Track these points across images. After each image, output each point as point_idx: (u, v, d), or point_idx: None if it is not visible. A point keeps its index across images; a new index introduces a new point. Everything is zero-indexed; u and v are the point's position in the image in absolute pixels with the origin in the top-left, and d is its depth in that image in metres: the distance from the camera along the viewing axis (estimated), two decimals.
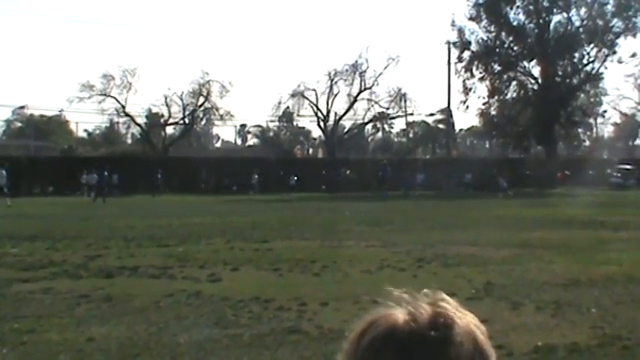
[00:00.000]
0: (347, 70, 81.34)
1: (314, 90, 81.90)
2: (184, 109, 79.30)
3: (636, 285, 12.70)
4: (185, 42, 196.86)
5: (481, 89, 73.33)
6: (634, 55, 72.28)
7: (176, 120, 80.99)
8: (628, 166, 67.37)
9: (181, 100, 78.90)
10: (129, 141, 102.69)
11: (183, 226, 25.00)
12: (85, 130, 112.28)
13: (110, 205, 39.74)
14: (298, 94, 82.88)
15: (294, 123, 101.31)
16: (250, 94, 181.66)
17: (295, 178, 60.81)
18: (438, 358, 1.09)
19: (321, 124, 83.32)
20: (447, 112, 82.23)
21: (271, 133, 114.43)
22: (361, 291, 11.49)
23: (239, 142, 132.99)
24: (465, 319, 1.16)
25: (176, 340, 8.89)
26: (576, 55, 70.42)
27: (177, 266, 15.32)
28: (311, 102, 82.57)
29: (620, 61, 72.30)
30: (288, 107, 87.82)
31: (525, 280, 13.32)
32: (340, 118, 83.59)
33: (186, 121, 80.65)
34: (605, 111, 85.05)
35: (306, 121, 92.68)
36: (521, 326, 9.59)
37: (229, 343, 8.77)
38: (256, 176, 60.72)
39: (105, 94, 75.89)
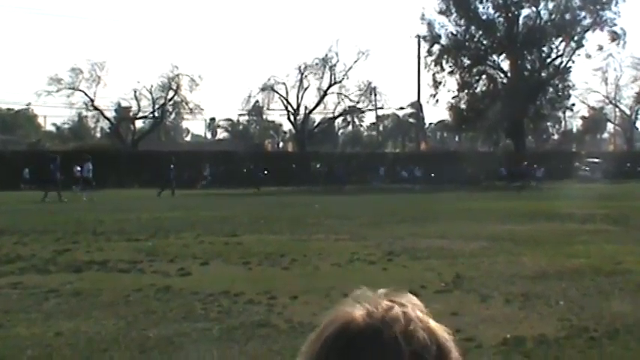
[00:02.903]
0: (317, 64, 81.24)
1: (284, 84, 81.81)
2: (154, 103, 78.90)
3: (603, 277, 12.82)
4: (154, 35, 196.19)
5: (451, 83, 73.59)
6: (601, 48, 72.96)
7: (145, 114, 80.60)
8: (596, 160, 67.99)
9: (151, 93, 78.52)
10: (98, 135, 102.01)
11: (152, 220, 24.88)
12: (54, 124, 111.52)
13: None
14: (268, 88, 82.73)
15: (264, 117, 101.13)
16: (220, 87, 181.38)
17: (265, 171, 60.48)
18: (391, 352, 1.10)
19: (291, 117, 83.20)
20: (417, 105, 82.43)
21: (241, 127, 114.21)
22: (331, 284, 11.54)
23: (209, 135, 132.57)
24: (422, 315, 1.17)
25: (145, 334, 8.85)
26: (545, 49, 70.90)
27: (147, 260, 15.25)
28: (281, 96, 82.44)
29: (588, 56, 72.99)
30: (257, 101, 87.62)
31: (494, 273, 13.39)
32: (310, 111, 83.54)
33: (156, 114, 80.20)
34: (573, 104, 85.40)
35: (276, 114, 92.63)
36: (489, 318, 9.65)
37: (198, 337, 8.75)
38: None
39: (73, 88, 75.29)
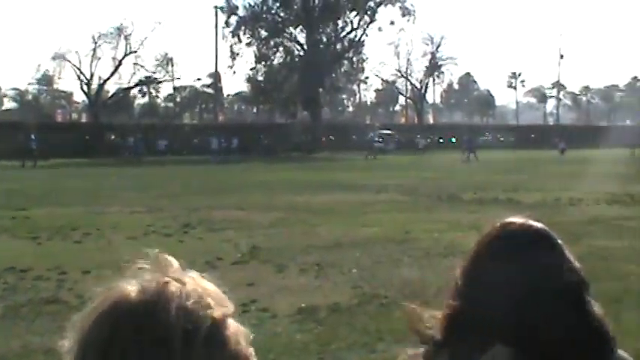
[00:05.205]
0: (112, 33, 79.78)
1: (77, 52, 79.84)
2: None
3: (394, 245, 13.26)
4: None
5: (248, 54, 73.95)
6: (392, 22, 75.54)
7: None
8: (388, 131, 70.20)
9: None
10: None
11: None
12: None
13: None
14: (59, 57, 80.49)
15: (55, 86, 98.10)
16: (7, 55, 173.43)
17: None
18: (162, 329, 1.07)
19: (85, 87, 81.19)
20: (215, 77, 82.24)
21: (30, 97, 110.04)
22: (125, 258, 11.24)
23: None
24: (200, 290, 1.14)
25: None
26: (340, 22, 72.46)
27: None
28: (73, 65, 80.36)
29: (380, 30, 75.46)
30: (48, 70, 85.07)
31: (290, 243, 13.55)
32: (104, 81, 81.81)
33: None
34: (367, 77, 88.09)
35: (69, 84, 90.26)
36: (285, 288, 9.75)
37: None
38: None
39: None
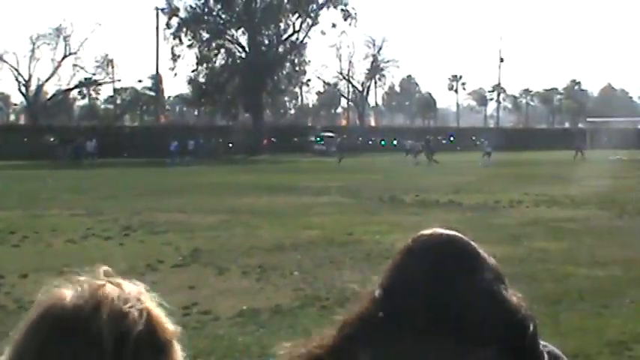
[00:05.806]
0: (50, 34, 78.86)
1: (14, 54, 78.90)
2: None
3: (336, 247, 13.30)
4: None
5: (190, 56, 73.47)
6: (334, 25, 75.76)
7: None
8: (330, 134, 70.22)
9: None
10: None
11: None
12: None
13: None
14: None
15: None
16: None
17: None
18: (94, 332, 1.08)
19: (23, 89, 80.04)
20: (156, 78, 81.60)
21: None
22: (65, 261, 11.11)
23: None
24: (137, 294, 1.16)
25: None
26: (282, 24, 72.43)
27: None
28: (11, 66, 79.19)
29: (323, 33, 75.51)
30: None
31: (232, 246, 13.52)
32: (43, 83, 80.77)
33: None
34: (309, 80, 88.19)
35: (6, 86, 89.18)
36: (227, 291, 9.73)
37: None
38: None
39: None
